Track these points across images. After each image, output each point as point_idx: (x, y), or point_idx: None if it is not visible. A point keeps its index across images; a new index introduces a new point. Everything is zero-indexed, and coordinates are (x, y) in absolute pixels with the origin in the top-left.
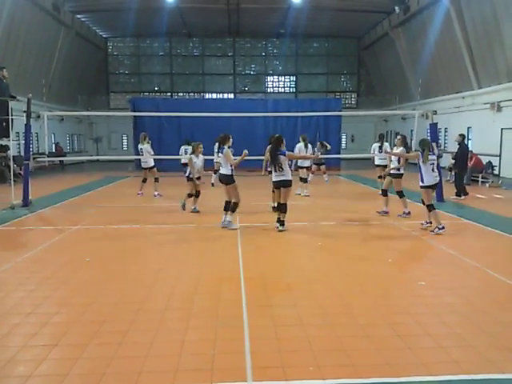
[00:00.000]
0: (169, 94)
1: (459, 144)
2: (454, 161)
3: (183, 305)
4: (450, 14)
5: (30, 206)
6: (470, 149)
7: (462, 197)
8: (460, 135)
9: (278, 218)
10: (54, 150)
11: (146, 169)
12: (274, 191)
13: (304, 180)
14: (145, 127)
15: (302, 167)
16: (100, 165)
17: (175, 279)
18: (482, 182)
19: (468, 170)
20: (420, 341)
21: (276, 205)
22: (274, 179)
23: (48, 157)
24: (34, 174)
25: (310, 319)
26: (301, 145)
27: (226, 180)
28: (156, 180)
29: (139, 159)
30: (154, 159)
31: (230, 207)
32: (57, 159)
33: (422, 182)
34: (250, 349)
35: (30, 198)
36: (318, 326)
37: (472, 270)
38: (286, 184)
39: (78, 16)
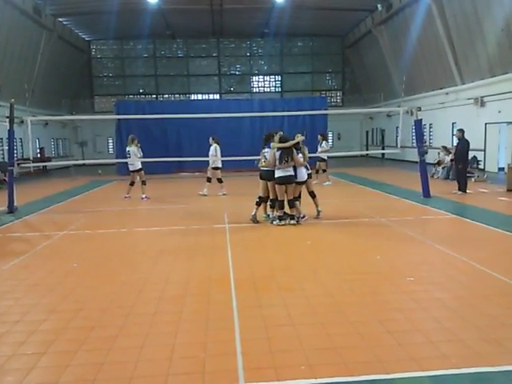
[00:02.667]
0: (154, 96)
1: (459, 139)
2: (448, 156)
3: (173, 308)
4: (432, 11)
5: (15, 213)
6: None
7: (459, 192)
8: (459, 130)
9: (279, 214)
10: (38, 155)
11: (133, 172)
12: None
13: (219, 180)
14: (130, 130)
15: (217, 168)
16: (86, 169)
17: (164, 282)
18: (467, 176)
19: (454, 165)
20: (410, 336)
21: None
22: (280, 174)
23: (33, 162)
24: (19, 179)
25: (301, 318)
26: (216, 146)
27: (270, 176)
28: (143, 183)
29: (126, 162)
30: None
31: (272, 203)
32: (41, 164)
33: (296, 177)
34: (242, 350)
35: (15, 204)
36: (308, 325)
37: (460, 264)
38: (293, 179)
39: (60, 19)
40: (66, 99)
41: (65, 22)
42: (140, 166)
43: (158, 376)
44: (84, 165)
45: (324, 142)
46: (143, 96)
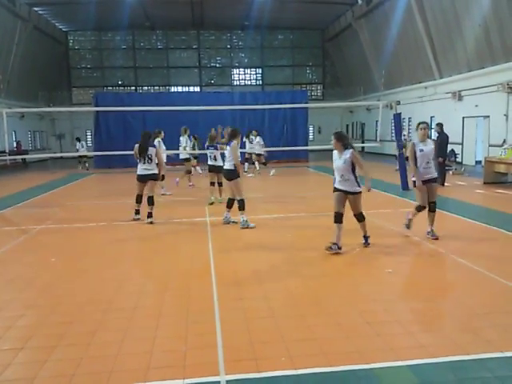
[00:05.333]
0: (133, 87)
1: (439, 133)
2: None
3: (153, 302)
4: (412, 6)
5: None
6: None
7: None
8: (438, 124)
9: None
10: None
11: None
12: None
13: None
14: (108, 123)
15: None
16: (64, 162)
17: (144, 276)
18: (445, 169)
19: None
20: (388, 327)
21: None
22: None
23: (9, 155)
24: None
25: (281, 310)
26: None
27: (230, 175)
28: (188, 172)
29: (103, 155)
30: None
31: (239, 206)
32: (18, 157)
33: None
34: (222, 343)
35: None
36: (289, 317)
37: (437, 255)
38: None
39: (36, 9)
40: (42, 91)
41: (40, 12)
42: (187, 156)
43: (138, 370)
44: (62, 158)
45: (258, 137)
46: (122, 88)
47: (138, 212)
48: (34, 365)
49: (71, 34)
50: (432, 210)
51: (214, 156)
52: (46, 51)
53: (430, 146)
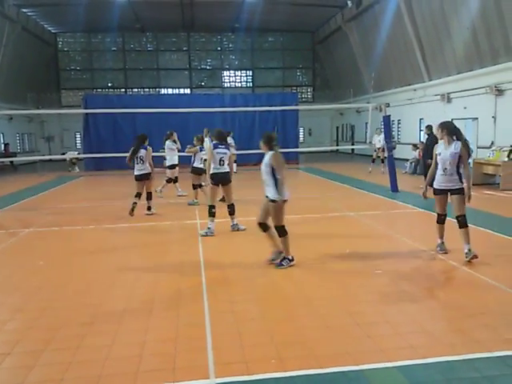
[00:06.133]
0: (123, 89)
1: (428, 135)
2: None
3: (142, 305)
4: (401, 9)
5: None
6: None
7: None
8: (427, 127)
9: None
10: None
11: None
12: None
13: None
14: (98, 125)
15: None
16: (53, 165)
17: (134, 280)
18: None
19: (421, 160)
20: (378, 328)
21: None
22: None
23: None
24: None
25: (272, 313)
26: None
27: (227, 179)
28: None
29: (95, 157)
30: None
31: (230, 210)
32: (6, 160)
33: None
34: (212, 345)
35: None
36: (279, 319)
37: (426, 256)
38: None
39: (24, 10)
40: (31, 93)
41: (29, 13)
42: (172, 162)
43: (128, 374)
44: (51, 160)
45: (229, 137)
46: (112, 90)
47: (134, 207)
48: (21, 370)
49: (60, 35)
50: (460, 226)
51: (205, 159)
52: (35, 53)
53: (449, 151)
